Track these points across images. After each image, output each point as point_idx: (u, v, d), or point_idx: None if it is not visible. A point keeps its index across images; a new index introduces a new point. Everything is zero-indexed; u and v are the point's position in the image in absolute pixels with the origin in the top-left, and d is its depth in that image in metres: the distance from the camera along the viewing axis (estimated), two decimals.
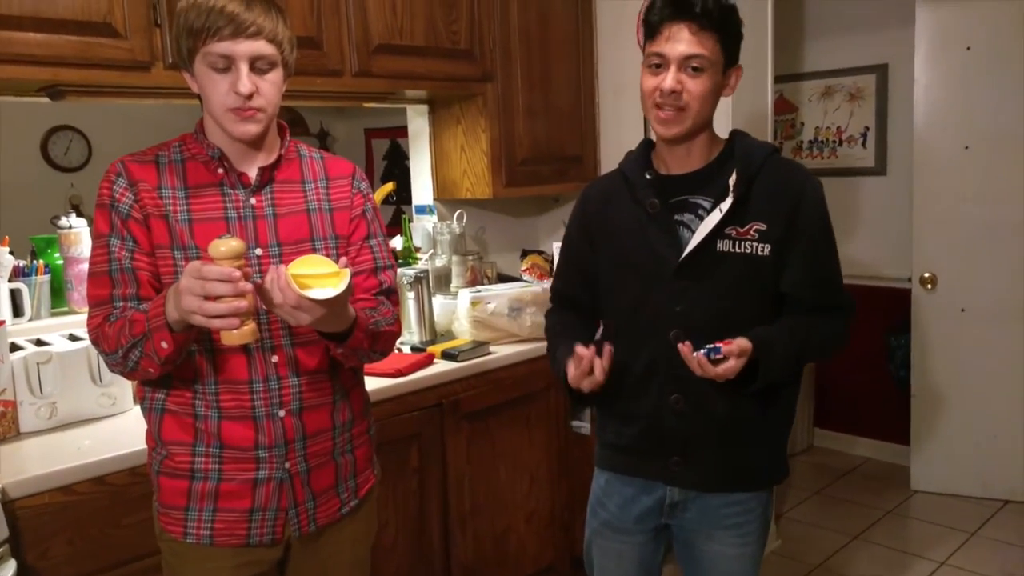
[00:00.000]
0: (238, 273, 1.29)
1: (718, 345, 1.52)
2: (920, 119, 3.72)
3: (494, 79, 2.93)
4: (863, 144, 4.32)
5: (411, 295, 2.76)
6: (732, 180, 1.61)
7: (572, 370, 1.59)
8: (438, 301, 2.92)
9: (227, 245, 1.30)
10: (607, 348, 1.57)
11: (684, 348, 1.55)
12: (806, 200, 1.64)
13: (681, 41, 1.56)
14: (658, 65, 1.60)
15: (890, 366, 4.21)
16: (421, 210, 3.29)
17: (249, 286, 1.32)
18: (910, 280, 3.86)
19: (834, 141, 4.43)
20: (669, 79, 1.57)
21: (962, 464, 3.80)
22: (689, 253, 1.62)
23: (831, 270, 1.71)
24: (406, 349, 2.66)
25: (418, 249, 3.19)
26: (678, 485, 1.72)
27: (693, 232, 1.63)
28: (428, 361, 2.55)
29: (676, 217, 1.66)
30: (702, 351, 1.52)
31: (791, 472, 4.13)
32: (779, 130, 4.60)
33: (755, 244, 1.61)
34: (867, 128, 4.31)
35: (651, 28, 1.61)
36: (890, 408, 4.29)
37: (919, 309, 3.82)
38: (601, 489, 1.85)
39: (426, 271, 2.83)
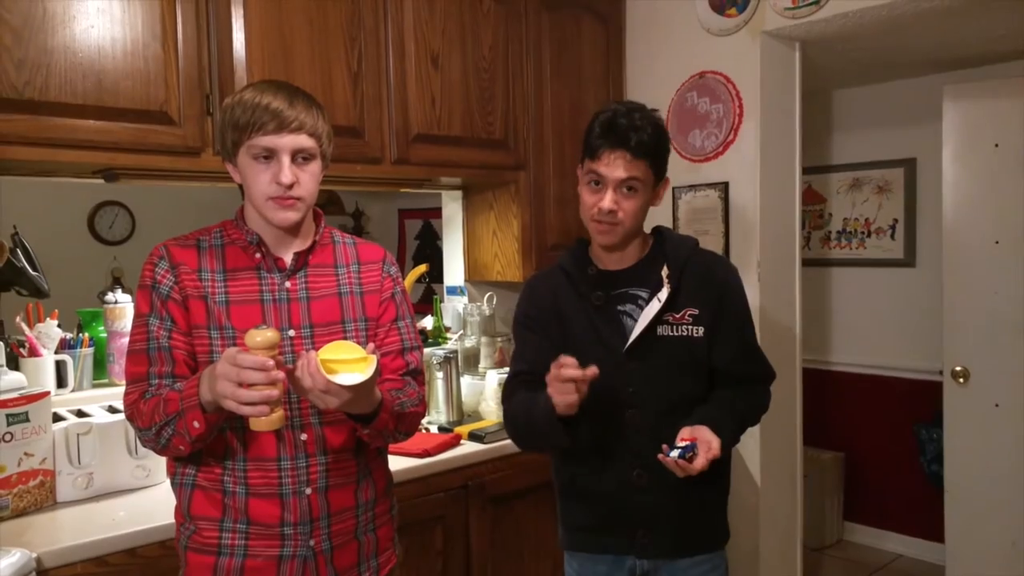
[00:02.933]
0: (272, 363, 1.35)
1: (687, 443, 1.65)
2: (949, 213, 3.72)
3: (527, 167, 3.03)
4: (892, 236, 4.35)
5: (440, 375, 2.81)
6: (665, 272, 1.80)
7: (572, 373, 1.55)
8: (466, 381, 2.96)
9: (263, 336, 1.36)
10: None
11: (663, 457, 1.65)
12: (730, 287, 1.86)
13: (618, 168, 1.73)
14: (597, 183, 1.77)
15: (921, 460, 4.14)
16: (452, 291, 3.36)
17: (281, 375, 1.37)
18: (940, 373, 3.81)
19: (862, 232, 4.46)
20: (607, 201, 1.74)
21: (999, 564, 3.67)
22: (635, 339, 1.77)
23: (754, 345, 1.91)
24: (433, 429, 2.69)
25: (448, 329, 3.25)
26: (647, 556, 1.82)
27: (634, 320, 1.79)
28: (455, 442, 2.57)
29: (618, 307, 1.82)
30: (675, 453, 1.64)
31: (820, 566, 4.09)
32: (807, 220, 4.64)
33: (690, 327, 1.79)
34: (896, 220, 4.33)
35: (592, 149, 1.77)
36: (922, 503, 4.19)
37: (951, 403, 3.75)
38: (575, 571, 1.92)
39: (455, 351, 2.88)
